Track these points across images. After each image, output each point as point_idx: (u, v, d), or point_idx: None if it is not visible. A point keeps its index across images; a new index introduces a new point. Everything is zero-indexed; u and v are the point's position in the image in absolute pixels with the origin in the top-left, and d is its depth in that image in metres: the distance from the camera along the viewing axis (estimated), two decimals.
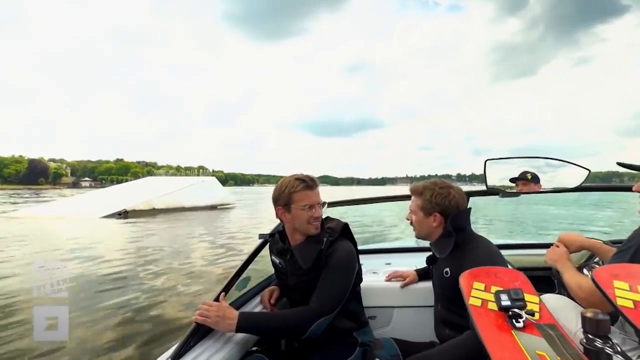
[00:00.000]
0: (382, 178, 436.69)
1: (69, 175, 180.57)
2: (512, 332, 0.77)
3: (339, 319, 1.27)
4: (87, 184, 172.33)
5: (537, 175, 1.66)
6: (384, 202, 2.34)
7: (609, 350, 0.67)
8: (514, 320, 0.80)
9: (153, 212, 18.22)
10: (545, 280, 1.63)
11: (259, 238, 1.56)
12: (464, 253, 1.27)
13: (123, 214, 16.61)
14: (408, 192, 1.51)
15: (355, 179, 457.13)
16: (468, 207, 1.42)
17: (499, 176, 1.75)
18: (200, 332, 1.17)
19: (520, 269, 1.24)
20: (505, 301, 0.82)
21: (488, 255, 1.25)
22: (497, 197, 1.80)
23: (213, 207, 22.60)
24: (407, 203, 1.48)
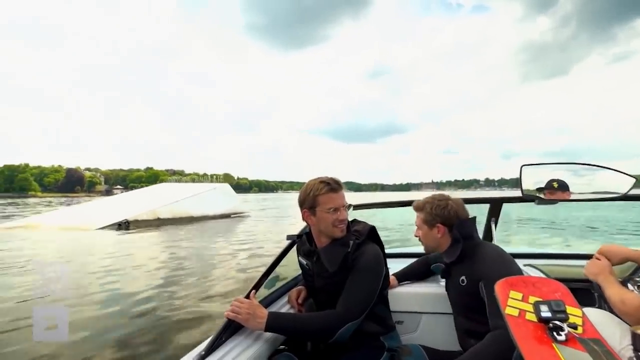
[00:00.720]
0: (407, 184, 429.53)
1: (103, 183, 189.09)
2: (553, 345, 0.73)
3: (365, 323, 1.26)
4: (118, 191, 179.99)
5: (564, 184, 1.62)
6: (410, 206, 2.07)
7: None
8: (554, 333, 0.76)
9: (157, 223, 16.76)
10: (585, 293, 1.48)
11: (287, 239, 1.57)
12: (477, 259, 1.30)
13: (124, 225, 15.12)
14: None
15: (379, 184, 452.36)
16: (473, 216, 1.46)
17: (535, 182, 1.69)
18: (232, 328, 1.20)
19: (558, 280, 1.04)
20: (546, 312, 0.79)
21: (502, 261, 1.26)
22: (532, 204, 1.74)
23: (225, 216, 20.89)
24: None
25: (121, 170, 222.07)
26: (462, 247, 1.35)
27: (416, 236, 1.50)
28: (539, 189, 1.66)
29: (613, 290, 1.01)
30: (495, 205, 2.04)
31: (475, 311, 1.26)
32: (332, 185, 1.32)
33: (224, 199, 22.05)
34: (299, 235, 1.52)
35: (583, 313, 0.84)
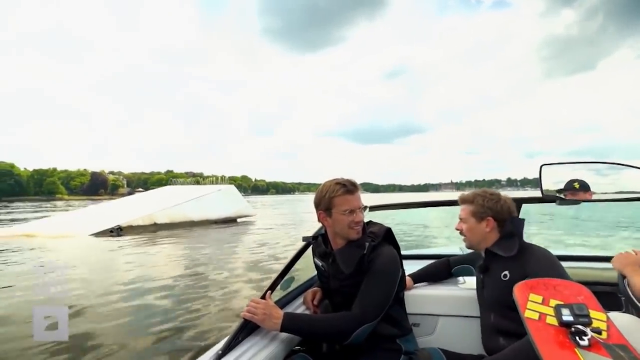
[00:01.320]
0: (425, 184, 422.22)
1: (125, 186, 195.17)
2: (576, 350, 0.71)
3: (381, 325, 1.26)
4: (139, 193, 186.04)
5: (586, 184, 1.58)
6: (426, 207, 2.29)
7: None
8: (577, 338, 0.73)
9: (154, 228, 15.62)
10: (610, 297, 1.43)
11: (303, 240, 1.58)
12: (525, 258, 1.28)
13: (116, 231, 14.18)
14: (444, 200, 1.98)
15: (396, 185, 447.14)
16: (521, 217, 1.46)
17: (555, 182, 1.68)
18: (248, 328, 1.22)
19: (581, 282, 1.01)
20: (567, 316, 0.76)
21: (551, 264, 1.24)
22: (553, 204, 1.73)
23: (230, 220, 19.12)
24: (452, 209, 1.61)
25: (143, 173, 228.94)
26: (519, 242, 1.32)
27: (457, 229, 1.47)
28: (560, 189, 1.63)
29: (639, 279, 0.97)
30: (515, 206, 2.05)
31: (509, 308, 1.21)
32: (348, 187, 1.32)
33: (228, 201, 20.20)
34: (315, 237, 1.50)
35: (608, 317, 0.80)
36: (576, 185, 1.59)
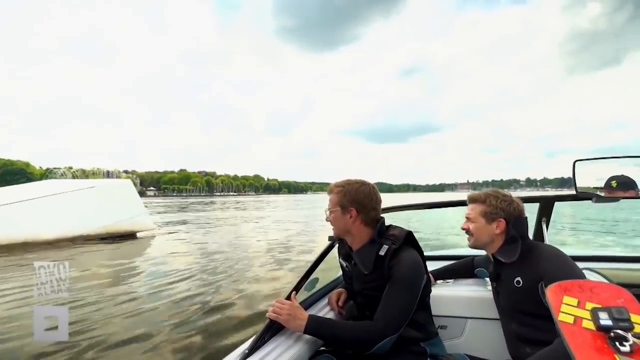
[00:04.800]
0: (441, 184, 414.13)
1: (138, 185, 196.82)
2: (616, 356, 0.66)
3: (405, 329, 1.22)
4: (151, 192, 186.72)
5: (627, 181, 1.46)
6: (439, 207, 2.21)
7: None
8: (617, 343, 0.67)
9: None
10: None
11: (328, 240, 1.58)
12: (534, 260, 1.23)
13: None
14: (456, 200, 1.91)
15: (411, 185, 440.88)
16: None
17: (591, 179, 1.58)
18: (274, 328, 1.23)
19: (622, 285, 0.92)
20: (606, 320, 0.70)
21: (566, 264, 1.17)
22: (589, 202, 1.63)
23: (105, 238, 11.65)
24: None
25: (156, 172, 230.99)
26: (520, 246, 1.28)
27: (464, 228, 1.41)
28: (596, 187, 1.54)
29: None
30: (547, 204, 1.88)
31: (529, 315, 1.20)
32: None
33: (102, 206, 12.17)
34: (341, 238, 1.43)
35: None
36: (614, 183, 1.49)
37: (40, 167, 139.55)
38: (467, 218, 1.41)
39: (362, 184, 1.35)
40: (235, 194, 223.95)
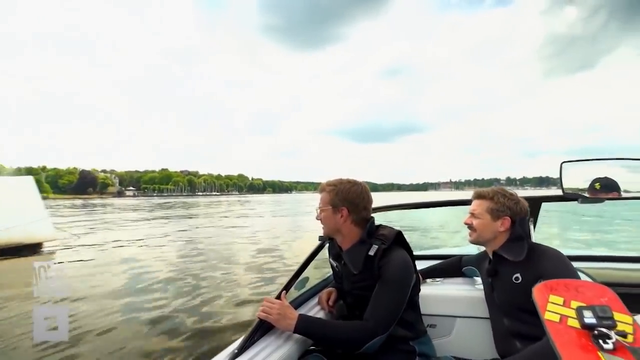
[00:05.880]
0: (424, 183, 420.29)
1: (117, 185, 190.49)
2: (599, 353, 0.69)
3: (394, 328, 1.24)
4: (130, 192, 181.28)
5: (610, 184, 1.52)
6: (430, 207, 2.26)
7: None
8: (600, 341, 0.70)
9: None
10: (638, 298, 1.32)
11: (319, 240, 1.55)
12: (535, 259, 1.27)
13: None
14: (453, 198, 1.99)
15: (395, 184, 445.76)
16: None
17: (577, 180, 1.64)
18: (263, 328, 1.23)
19: (605, 284, 0.98)
20: (590, 318, 0.73)
21: (565, 264, 1.22)
22: (575, 203, 1.71)
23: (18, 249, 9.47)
24: (456, 209, 1.73)
25: (136, 171, 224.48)
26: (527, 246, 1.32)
27: (467, 223, 1.43)
28: (582, 188, 1.61)
29: None
30: (534, 205, 1.87)
31: (524, 311, 1.24)
32: None
33: None
34: (331, 237, 1.44)
35: (634, 320, 0.77)
36: (597, 185, 1.55)
37: (11, 166, 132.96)
38: (471, 214, 1.42)
39: (354, 183, 1.36)
40: (218, 193, 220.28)
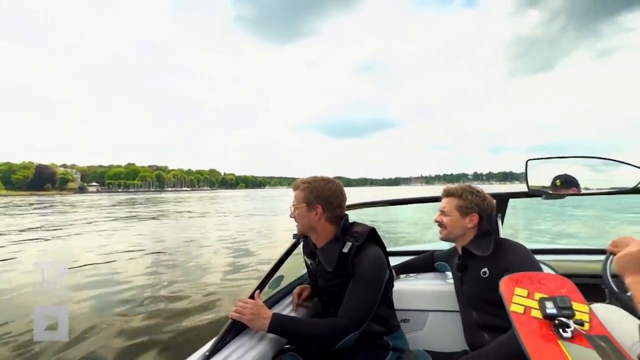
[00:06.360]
0: (396, 178, 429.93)
1: (79, 180, 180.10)
2: (559, 342, 0.73)
3: (368, 324, 1.24)
4: (94, 188, 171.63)
5: (570, 180, 1.59)
6: (402, 204, 2.29)
7: None
8: (560, 330, 0.75)
9: None
10: (594, 288, 1.46)
11: (293, 238, 1.57)
12: (502, 254, 1.30)
13: None
14: (424, 192, 2.07)
15: (368, 179, 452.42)
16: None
17: (541, 177, 1.68)
18: (236, 328, 1.21)
19: (566, 275, 1.05)
20: (551, 309, 0.78)
21: (529, 258, 1.26)
22: (539, 199, 1.76)
23: None
24: (427, 205, 1.77)
25: (100, 166, 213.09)
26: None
27: (437, 221, 1.46)
28: (545, 185, 1.66)
29: None
30: (501, 201, 1.95)
31: (491, 304, 1.27)
32: None
33: None
34: (305, 235, 1.43)
35: (590, 309, 0.82)
36: (558, 182, 1.60)
37: None
38: (441, 211, 1.45)
39: (329, 181, 1.36)
40: (188, 189, 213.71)
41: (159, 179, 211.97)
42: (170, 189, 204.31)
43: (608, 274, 1.40)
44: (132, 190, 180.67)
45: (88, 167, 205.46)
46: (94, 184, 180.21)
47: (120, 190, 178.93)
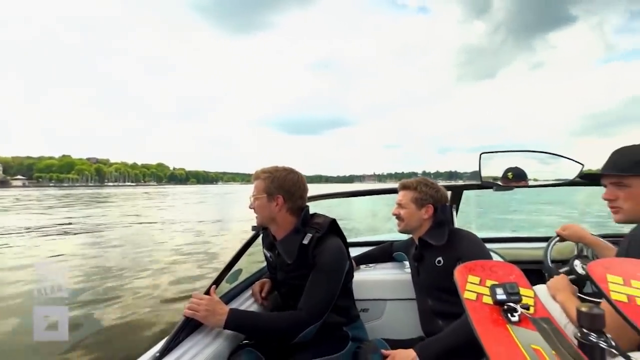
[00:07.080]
0: (350, 176, 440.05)
1: (0, 172, 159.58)
2: (508, 326, 0.76)
3: (328, 315, 1.23)
4: (19, 182, 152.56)
5: (521, 173, 1.68)
6: (361, 195, 2.36)
7: (603, 345, 0.66)
8: (509, 315, 0.78)
9: None
10: (537, 273, 1.59)
11: (252, 230, 1.54)
12: (455, 243, 1.36)
13: None
14: (383, 188, 2.17)
15: (323, 176, 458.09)
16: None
17: (493, 170, 1.77)
18: (190, 326, 1.17)
19: (512, 262, 1.07)
20: (501, 295, 0.81)
21: (480, 246, 1.33)
22: (490, 190, 1.84)
23: None
24: (385, 197, 1.87)
25: (28, 157, 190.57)
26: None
27: (395, 214, 1.50)
28: (496, 177, 1.75)
29: (573, 309, 1.07)
30: (456, 193, 2.08)
31: (445, 291, 1.32)
32: None
33: None
34: (265, 227, 1.41)
35: (535, 293, 0.86)
36: (509, 175, 1.68)
37: None
38: (398, 204, 1.49)
39: (290, 171, 1.34)
40: (133, 184, 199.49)
41: (98, 173, 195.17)
42: (111, 183, 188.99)
43: (548, 259, 1.50)
44: (66, 184, 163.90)
45: (13, 158, 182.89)
46: (20, 177, 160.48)
47: (51, 184, 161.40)
